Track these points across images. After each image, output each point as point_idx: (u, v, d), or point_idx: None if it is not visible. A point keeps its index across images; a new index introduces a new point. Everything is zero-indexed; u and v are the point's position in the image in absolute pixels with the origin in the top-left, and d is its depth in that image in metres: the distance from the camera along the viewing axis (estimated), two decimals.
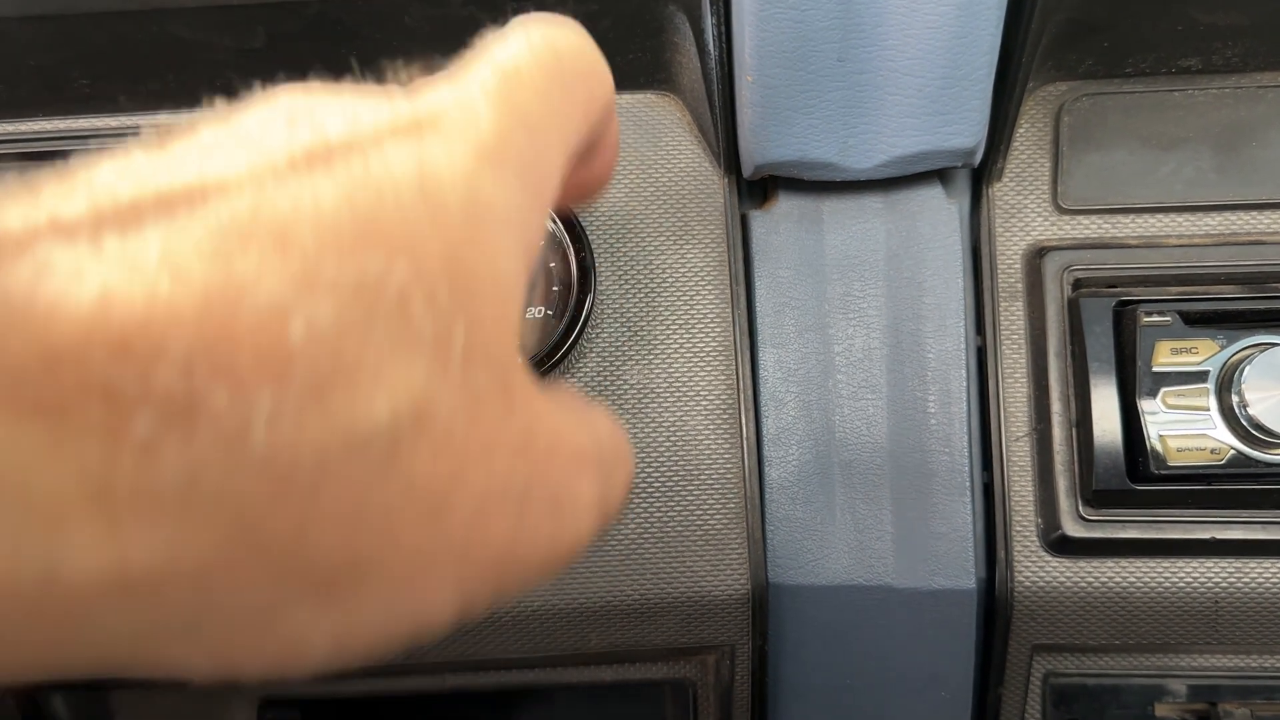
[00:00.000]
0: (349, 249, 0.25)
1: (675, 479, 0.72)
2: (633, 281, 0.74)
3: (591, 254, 0.69)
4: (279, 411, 0.24)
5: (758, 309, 0.75)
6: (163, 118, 0.76)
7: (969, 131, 0.70)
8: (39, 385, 0.22)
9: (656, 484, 0.72)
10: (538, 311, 0.71)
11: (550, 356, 0.68)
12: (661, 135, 0.77)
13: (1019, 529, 0.73)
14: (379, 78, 0.76)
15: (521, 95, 0.34)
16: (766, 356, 0.74)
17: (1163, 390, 0.69)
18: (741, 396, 0.72)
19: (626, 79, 0.76)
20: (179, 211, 0.25)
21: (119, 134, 0.76)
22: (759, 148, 0.71)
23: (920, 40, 0.66)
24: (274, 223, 0.25)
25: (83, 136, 0.76)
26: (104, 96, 0.74)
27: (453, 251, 0.28)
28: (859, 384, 0.74)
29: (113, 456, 0.23)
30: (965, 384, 0.73)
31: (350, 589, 0.27)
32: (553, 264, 0.71)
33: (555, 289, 0.71)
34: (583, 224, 0.70)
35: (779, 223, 0.76)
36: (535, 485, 0.31)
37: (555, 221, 0.70)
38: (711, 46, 0.69)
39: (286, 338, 0.24)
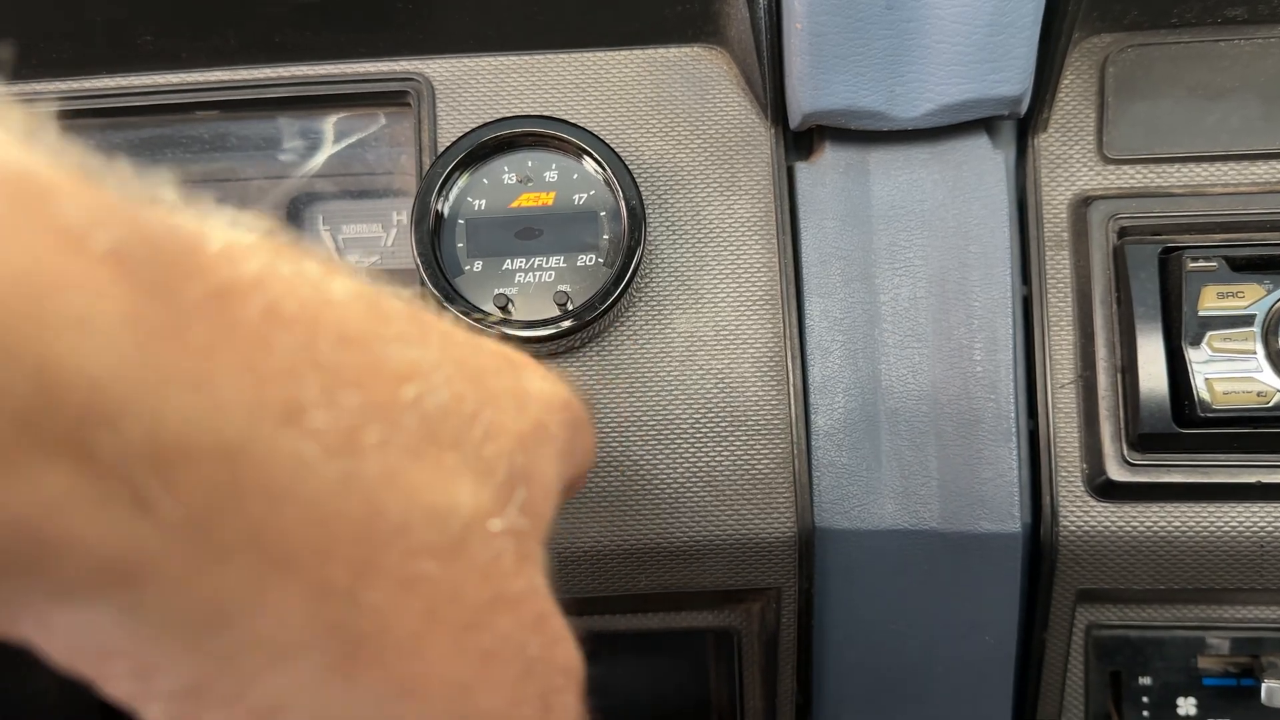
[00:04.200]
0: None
1: (722, 424, 0.75)
2: (681, 232, 0.77)
3: (642, 203, 0.72)
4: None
5: (804, 259, 0.78)
6: (222, 74, 0.80)
7: (1015, 79, 0.73)
8: None
9: (704, 429, 0.75)
10: (589, 260, 0.74)
11: (600, 303, 0.71)
12: (708, 88, 0.80)
13: (1064, 475, 0.76)
14: (430, 34, 0.79)
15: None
16: (813, 306, 0.77)
17: (1208, 334, 0.71)
18: (788, 344, 0.75)
19: (674, 32, 0.79)
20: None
21: (183, 90, 0.80)
22: (807, 96, 0.74)
23: None
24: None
25: (148, 92, 0.80)
26: (167, 53, 0.78)
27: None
28: (905, 333, 0.77)
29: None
30: (1011, 331, 0.76)
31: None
32: (603, 213, 0.74)
33: (606, 238, 0.74)
34: (632, 172, 0.73)
35: (825, 173, 0.79)
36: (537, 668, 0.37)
37: (604, 168, 0.73)
38: None
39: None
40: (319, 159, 0.88)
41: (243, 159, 0.88)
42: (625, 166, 0.73)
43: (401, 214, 0.88)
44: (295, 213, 0.88)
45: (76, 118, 0.81)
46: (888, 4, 0.71)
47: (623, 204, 0.73)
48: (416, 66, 0.80)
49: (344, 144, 0.87)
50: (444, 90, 0.80)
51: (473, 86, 0.80)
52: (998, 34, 0.71)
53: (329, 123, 0.87)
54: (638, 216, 0.72)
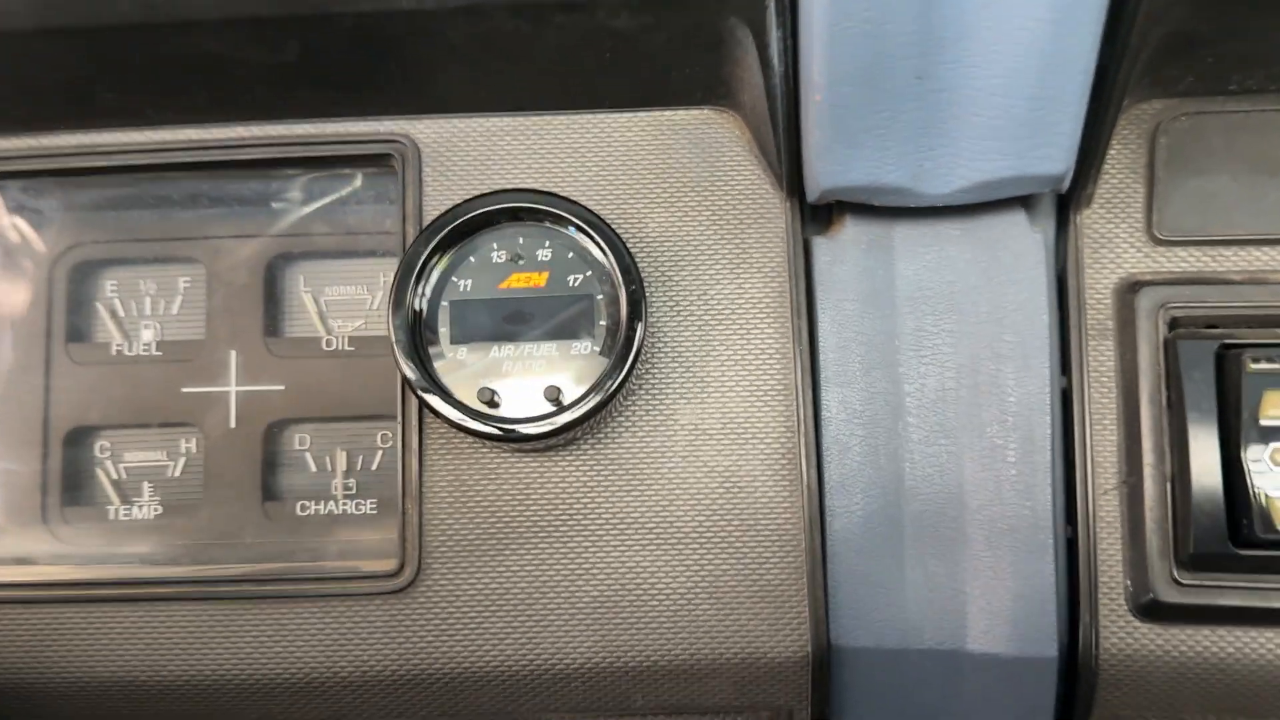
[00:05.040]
0: None
1: (730, 529, 0.69)
2: (686, 313, 0.71)
3: (642, 286, 0.66)
4: None
5: (821, 344, 0.71)
6: (191, 133, 0.74)
7: (1059, 156, 0.66)
8: None
9: (709, 534, 0.69)
10: (584, 348, 0.68)
11: (596, 399, 0.65)
12: (718, 155, 0.73)
13: (1105, 591, 0.69)
14: (417, 93, 0.74)
15: None
16: (830, 396, 0.71)
17: (1271, 445, 0.65)
18: (803, 440, 0.69)
19: (682, 95, 0.73)
20: None
21: (146, 150, 0.74)
22: (826, 171, 0.67)
23: (1009, 55, 0.63)
24: None
25: (109, 152, 0.74)
26: (130, 110, 0.73)
27: None
28: (932, 428, 0.70)
29: None
30: (1050, 431, 0.69)
31: None
32: (599, 296, 0.68)
33: (602, 324, 0.68)
34: (632, 253, 0.67)
35: (845, 249, 0.72)
36: None
37: (604, 250, 0.67)
38: (776, 61, 0.66)
39: None
40: (290, 219, 0.83)
41: (215, 218, 0.82)
42: (625, 248, 0.67)
43: (388, 274, 0.82)
44: (274, 275, 0.82)
45: (36, 176, 0.76)
46: (918, 73, 0.64)
47: (622, 290, 0.66)
48: (402, 127, 0.74)
49: (316, 205, 0.82)
50: (431, 153, 0.74)
51: (462, 149, 0.74)
52: (1041, 107, 0.64)
53: (299, 183, 0.81)
54: (639, 303, 0.66)
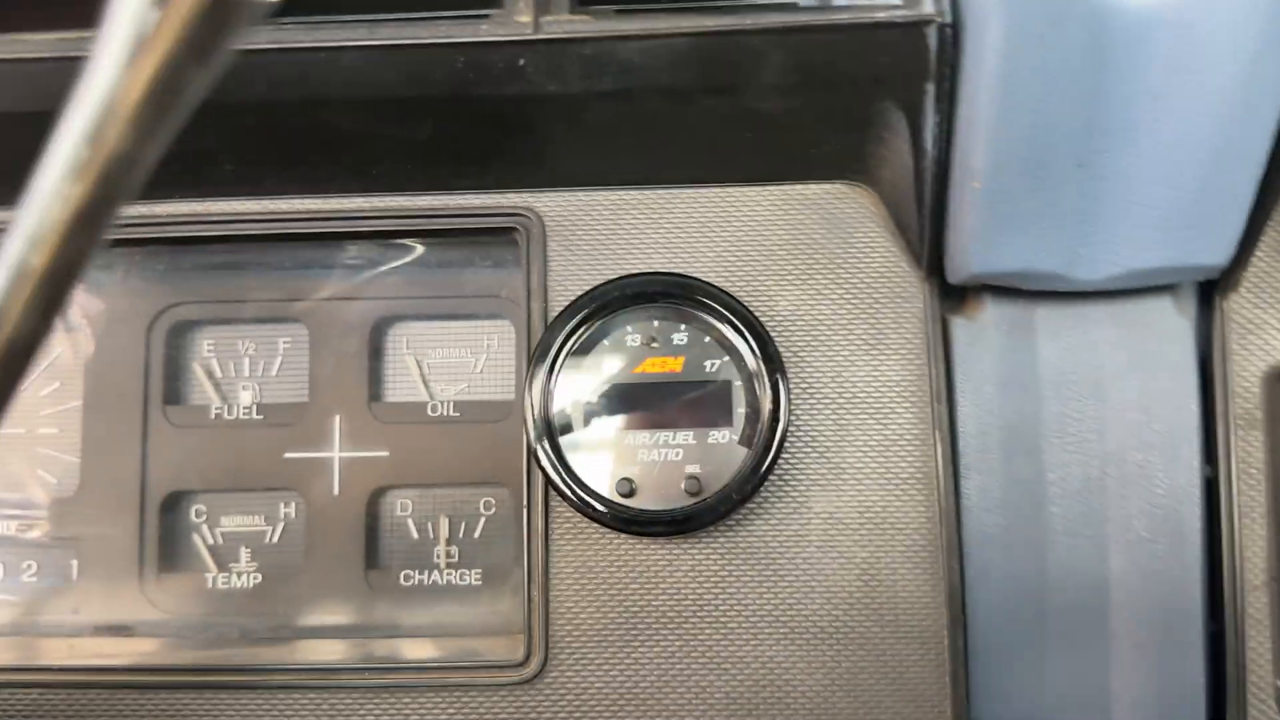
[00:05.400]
0: None
1: (868, 624, 0.67)
2: (820, 396, 0.69)
3: (785, 375, 0.64)
4: None
5: (960, 429, 0.69)
6: (310, 203, 0.73)
7: (1222, 247, 0.64)
8: None
9: (847, 629, 0.67)
10: (722, 437, 0.66)
11: (738, 493, 0.63)
12: (853, 231, 0.71)
13: (1255, 689, 0.67)
14: (543, 168, 0.72)
15: None
16: (970, 484, 0.69)
17: None
18: (944, 531, 0.67)
19: (816, 169, 0.71)
20: None
21: (262, 219, 0.73)
22: (978, 256, 0.65)
23: (1178, 147, 0.60)
24: None
25: (223, 221, 0.72)
26: (248, 180, 0.71)
27: None
28: (1075, 518, 0.68)
29: None
30: (1200, 523, 0.67)
31: None
32: (737, 383, 0.66)
33: (740, 410, 0.66)
34: (773, 334, 0.65)
35: (985, 331, 0.70)
36: None
37: (743, 335, 0.65)
38: (930, 146, 0.63)
39: None
40: (396, 280, 0.81)
41: (319, 278, 0.81)
42: (767, 334, 0.65)
43: (492, 338, 0.80)
44: (378, 336, 0.80)
45: (149, 244, 0.74)
46: (1079, 161, 0.62)
47: (764, 377, 0.64)
48: (525, 201, 0.72)
49: (386, 265, 0.80)
50: (555, 226, 0.72)
51: (586, 223, 0.72)
52: (1208, 199, 0.62)
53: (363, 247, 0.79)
54: (781, 392, 0.64)
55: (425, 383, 0.81)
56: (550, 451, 0.64)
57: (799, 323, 0.70)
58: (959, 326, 0.71)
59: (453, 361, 0.81)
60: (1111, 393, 0.69)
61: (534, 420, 0.64)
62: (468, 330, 0.81)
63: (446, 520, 0.79)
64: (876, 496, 0.68)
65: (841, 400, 0.69)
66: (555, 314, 0.69)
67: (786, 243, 0.71)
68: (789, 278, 0.71)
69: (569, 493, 0.64)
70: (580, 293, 0.69)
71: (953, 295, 0.73)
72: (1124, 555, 0.68)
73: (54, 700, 0.70)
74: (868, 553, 0.67)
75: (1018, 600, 0.68)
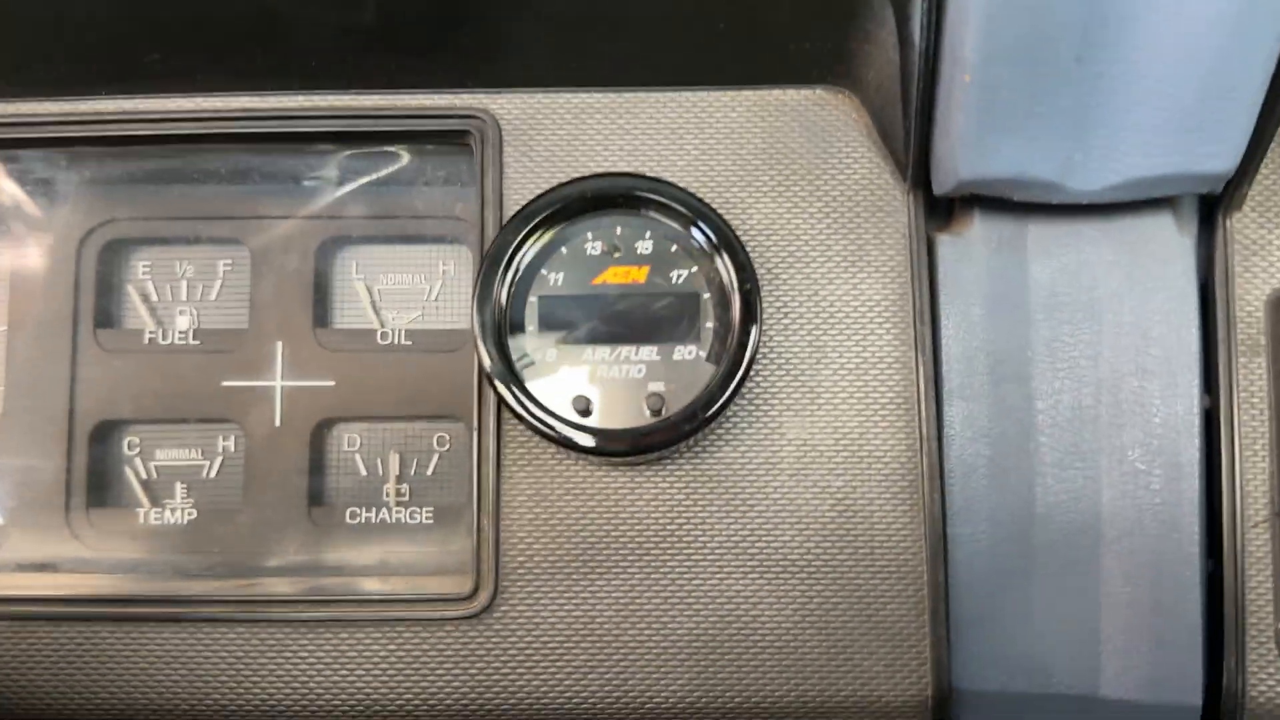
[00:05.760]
0: None
1: (842, 557, 0.62)
2: (795, 316, 0.65)
3: (757, 286, 0.59)
4: None
5: (944, 353, 0.65)
6: (245, 101, 0.67)
7: (1226, 153, 0.60)
8: None
9: (819, 562, 0.62)
10: (688, 352, 0.61)
11: (704, 411, 0.58)
12: (832, 140, 0.67)
13: (1254, 632, 0.63)
14: (499, 64, 0.67)
15: None
16: (954, 412, 0.64)
17: None
18: (925, 459, 0.63)
19: (793, 72, 0.67)
20: None
21: (195, 118, 0.67)
22: (967, 161, 0.61)
23: (1182, 41, 0.56)
24: None
25: (154, 119, 0.67)
26: (178, 74, 0.66)
27: None
28: (1066, 449, 0.64)
29: None
30: (1198, 455, 0.63)
31: None
32: (706, 295, 0.61)
33: (709, 325, 0.61)
34: (746, 247, 0.60)
35: (972, 248, 0.66)
36: None
37: (714, 244, 0.60)
38: (918, 37, 0.58)
39: None
40: (342, 197, 0.76)
41: (261, 195, 0.75)
42: (740, 242, 0.60)
43: (448, 263, 0.75)
44: (324, 259, 0.75)
45: (73, 144, 0.69)
46: (1078, 55, 0.57)
47: (735, 289, 0.60)
48: (481, 102, 0.67)
49: (368, 180, 0.75)
50: (513, 131, 0.67)
51: (547, 128, 0.67)
52: (1214, 98, 0.57)
53: (355, 158, 0.74)
54: (753, 305, 0.59)
55: (375, 309, 0.76)
56: (500, 365, 0.59)
57: (774, 237, 0.65)
58: (945, 243, 0.66)
59: (405, 287, 0.76)
60: (1106, 315, 0.65)
61: (484, 332, 0.60)
62: (421, 254, 0.76)
63: (397, 456, 0.74)
64: (854, 422, 0.63)
65: (818, 320, 0.65)
66: None
67: (762, 151, 0.66)
68: (764, 189, 0.66)
69: (521, 410, 0.59)
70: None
71: (939, 211, 0.68)
72: (1117, 488, 0.64)
73: None
74: (843, 481, 0.63)
75: (1003, 534, 0.64)
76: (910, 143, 0.64)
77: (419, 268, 0.76)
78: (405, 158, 0.74)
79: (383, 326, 0.75)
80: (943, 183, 0.64)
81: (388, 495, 0.74)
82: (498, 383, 0.59)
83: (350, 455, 0.74)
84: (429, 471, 0.74)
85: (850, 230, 0.65)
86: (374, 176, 0.75)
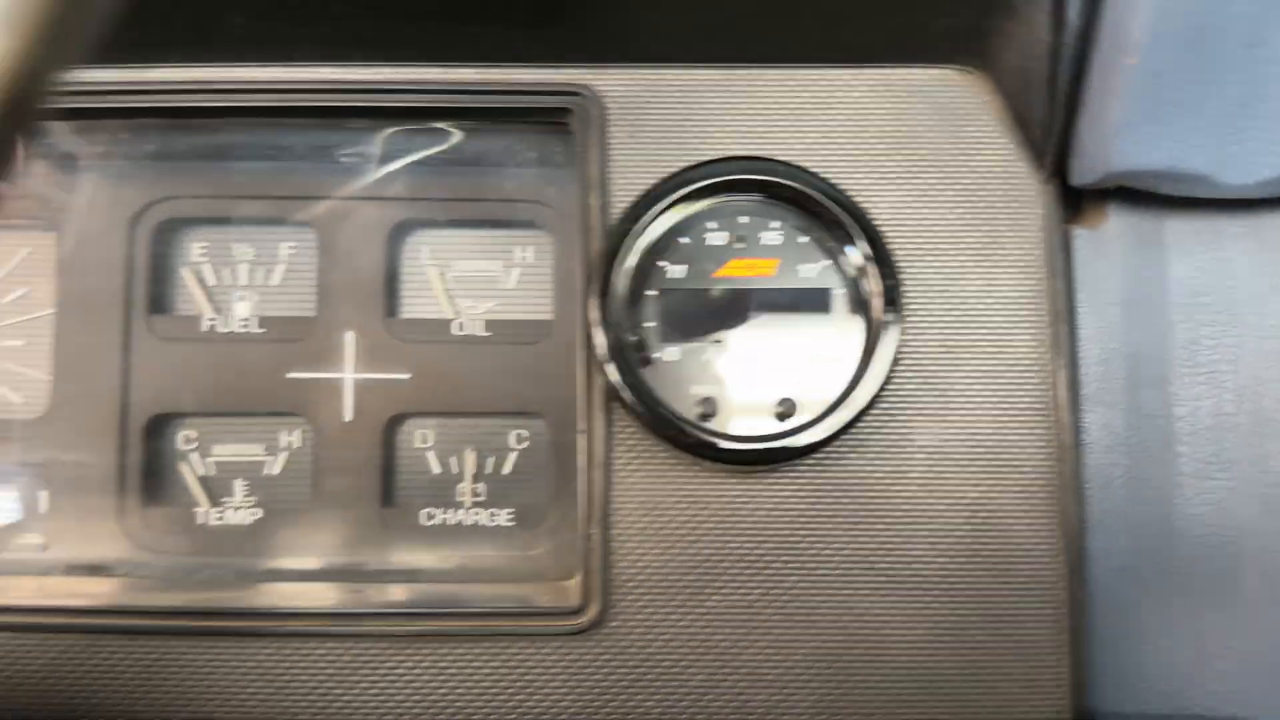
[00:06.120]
0: None
1: (977, 573, 0.59)
2: (926, 314, 0.61)
3: (899, 282, 0.55)
4: None
5: (1080, 356, 0.61)
6: (328, 71, 0.62)
7: None
8: None
9: (952, 579, 0.59)
10: (820, 353, 0.57)
11: (835, 420, 0.54)
12: (963, 124, 0.63)
13: None
14: (603, 36, 0.62)
15: None
16: (1091, 418, 0.61)
17: None
18: (1065, 470, 0.59)
19: (923, 50, 0.62)
20: None
21: (270, 89, 0.62)
22: (1120, 150, 0.57)
23: None
24: None
25: (226, 90, 0.62)
26: (259, 41, 0.60)
27: None
28: (1207, 459, 0.61)
29: None
30: None
31: None
32: (839, 291, 0.57)
33: (844, 324, 0.57)
34: (899, 232, 0.56)
35: (1109, 244, 0.62)
36: None
37: (850, 236, 0.56)
38: (1074, 15, 0.54)
39: None
40: (405, 178, 0.71)
41: (328, 173, 0.70)
42: (879, 235, 0.56)
43: (527, 250, 0.71)
44: (396, 241, 0.70)
45: (144, 115, 0.64)
46: (1250, 40, 0.53)
47: (877, 286, 0.55)
48: (583, 78, 0.62)
49: (431, 162, 0.70)
50: (618, 110, 0.62)
51: (654, 107, 0.62)
52: None
53: (414, 138, 0.69)
54: (896, 302, 0.55)
55: (450, 298, 0.71)
56: (620, 365, 0.55)
57: (901, 228, 0.61)
58: (1080, 238, 0.62)
59: (480, 275, 0.71)
60: (1248, 317, 0.62)
61: (602, 328, 0.55)
62: (498, 241, 0.71)
63: (474, 453, 0.69)
64: (989, 429, 0.60)
65: (950, 319, 0.61)
66: (617, 211, 0.59)
67: (887, 135, 0.62)
68: (890, 176, 0.62)
69: (642, 412, 0.55)
70: (648, 186, 0.59)
71: (1070, 203, 0.65)
72: (1259, 502, 0.60)
73: (25, 645, 0.60)
74: (978, 492, 0.59)
75: (1141, 548, 0.60)
76: (1052, 129, 0.60)
77: (495, 255, 0.71)
78: (488, 137, 0.69)
79: (457, 316, 0.70)
80: (1085, 173, 0.60)
81: (462, 495, 0.69)
82: (618, 383, 0.55)
83: (422, 453, 0.70)
84: (505, 471, 0.69)
85: (983, 222, 0.61)
86: (455, 155, 0.70)
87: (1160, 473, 0.61)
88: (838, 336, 0.57)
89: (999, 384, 0.60)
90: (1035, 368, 0.60)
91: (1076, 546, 0.59)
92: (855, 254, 0.56)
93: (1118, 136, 0.57)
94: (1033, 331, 0.60)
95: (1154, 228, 0.62)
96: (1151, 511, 0.60)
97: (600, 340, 0.55)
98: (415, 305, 0.71)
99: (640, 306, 0.57)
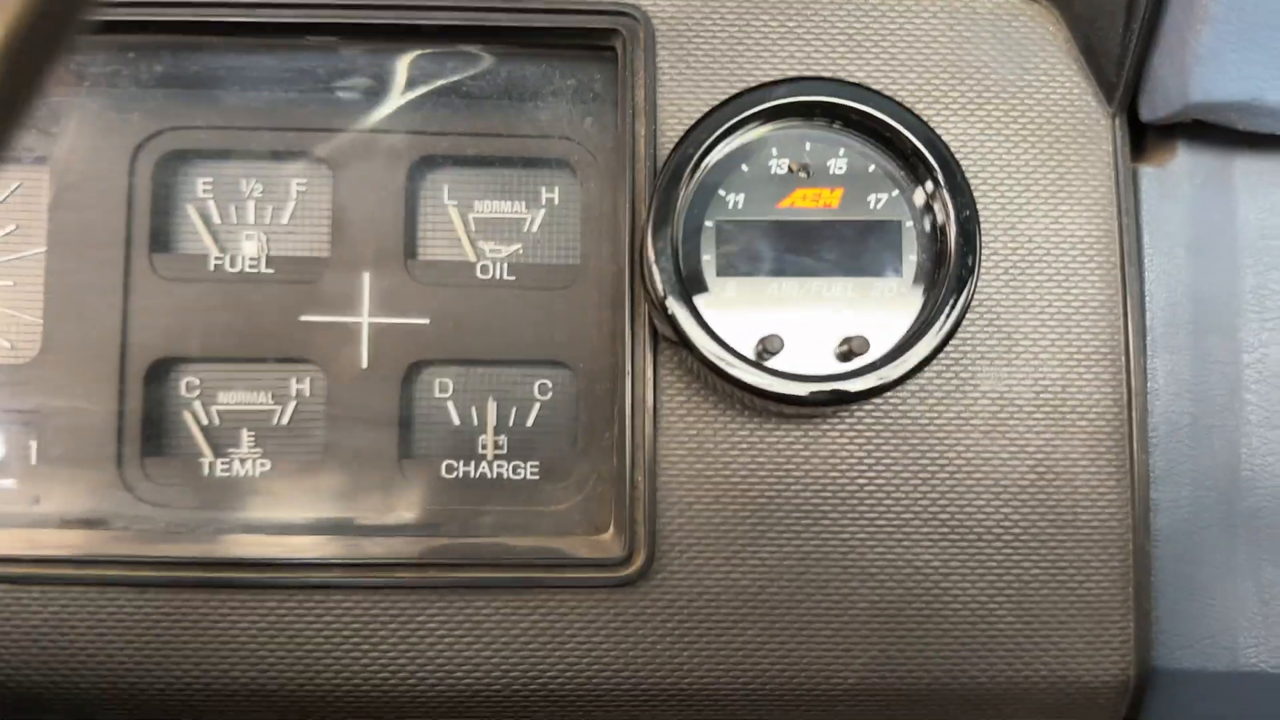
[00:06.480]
0: None
1: (1041, 525, 0.56)
2: (991, 253, 0.58)
3: (977, 215, 0.52)
4: None
5: (1147, 300, 0.58)
6: None
7: None
8: None
9: (1015, 530, 0.56)
10: (889, 289, 0.54)
11: (906, 360, 0.51)
12: (1029, 55, 0.59)
13: None
14: None
15: None
16: (1157, 364, 0.58)
17: None
18: (1134, 417, 0.56)
19: None
20: None
21: (293, 2, 0.57)
22: (1201, 80, 0.54)
23: None
24: None
25: (249, 4, 0.57)
26: None
27: None
28: (1273, 407, 0.59)
29: None
30: None
31: None
32: (908, 223, 0.54)
33: (913, 259, 0.54)
34: (963, 166, 0.53)
35: (1176, 183, 0.59)
36: None
37: (925, 165, 0.53)
38: None
39: None
40: (426, 109, 0.66)
41: (342, 104, 0.66)
42: (956, 163, 0.53)
43: (552, 191, 0.67)
44: (416, 179, 0.66)
45: (142, 31, 0.59)
46: None
47: (952, 218, 0.52)
48: None
49: (425, 88, 0.65)
50: (666, 32, 0.58)
51: (706, 30, 0.59)
52: None
53: (404, 61, 0.64)
54: (972, 236, 0.52)
55: (471, 240, 0.67)
56: (681, 301, 0.52)
57: (965, 162, 0.58)
58: (1148, 176, 0.60)
59: (503, 216, 0.67)
60: None
61: (659, 260, 0.52)
62: (521, 180, 0.67)
63: (495, 404, 0.66)
64: (1055, 374, 0.57)
65: (1016, 258, 0.58)
66: (666, 141, 0.56)
67: (951, 64, 0.59)
68: (954, 107, 0.59)
69: (699, 351, 0.51)
70: (698, 114, 0.55)
71: (1135, 140, 0.62)
72: None
73: (22, 600, 0.55)
74: (1043, 440, 0.57)
75: (1205, 500, 0.58)
76: (1125, 60, 0.57)
77: (519, 195, 0.67)
78: (522, 63, 0.65)
79: (480, 259, 0.66)
80: (1159, 106, 0.57)
81: (484, 448, 0.65)
82: (675, 318, 0.51)
83: (441, 402, 0.66)
84: (528, 423, 0.66)
85: (1050, 157, 0.58)
86: (485, 83, 0.65)
87: (1226, 421, 0.58)
88: (906, 271, 0.54)
89: (1067, 327, 0.57)
90: (1103, 310, 0.57)
91: (1144, 498, 0.56)
92: (925, 184, 0.53)
93: (1199, 65, 0.54)
94: (1100, 273, 0.58)
95: (1222, 166, 0.60)
96: (1216, 461, 0.58)
97: (657, 272, 0.51)
98: (433, 247, 0.67)
99: (697, 238, 0.53)
